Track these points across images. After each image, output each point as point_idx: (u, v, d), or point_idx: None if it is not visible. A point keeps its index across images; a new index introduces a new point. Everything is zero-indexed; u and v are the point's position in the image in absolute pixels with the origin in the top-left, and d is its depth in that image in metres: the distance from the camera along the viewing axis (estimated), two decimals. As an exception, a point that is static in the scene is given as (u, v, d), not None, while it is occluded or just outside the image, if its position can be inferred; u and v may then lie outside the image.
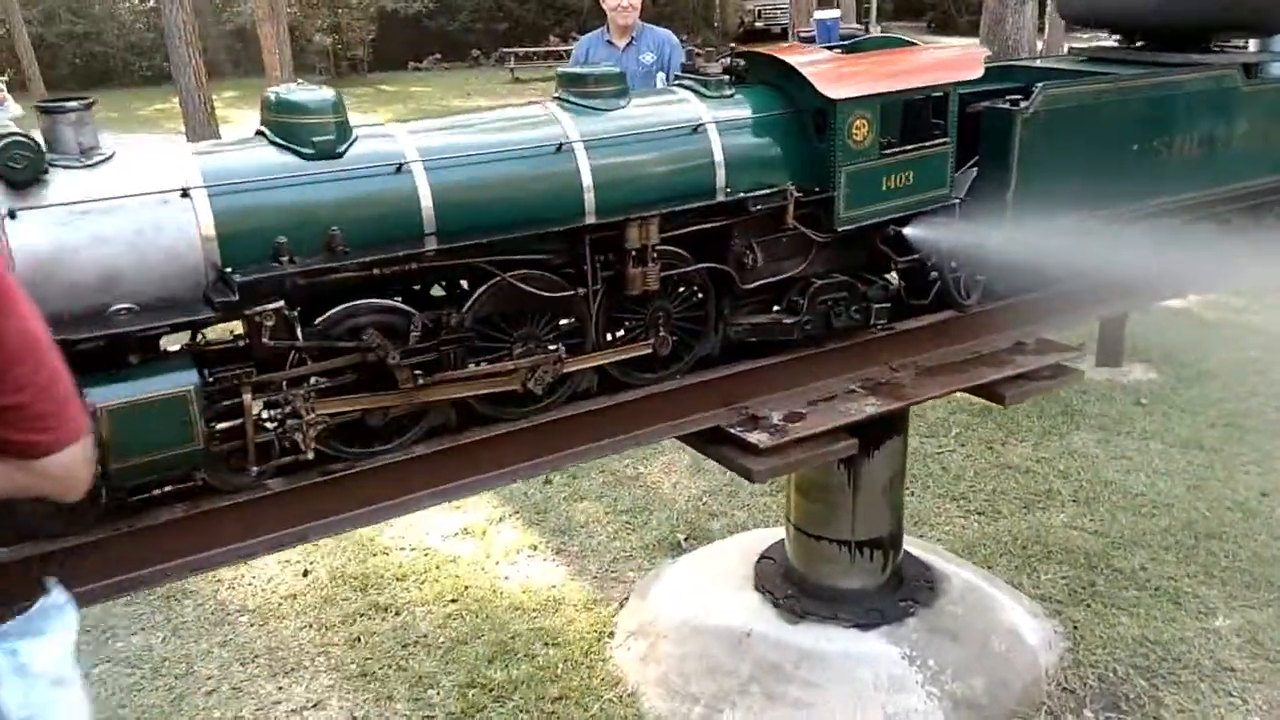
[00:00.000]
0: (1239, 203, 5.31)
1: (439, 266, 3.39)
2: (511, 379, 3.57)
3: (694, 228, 3.81)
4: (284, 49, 25.18)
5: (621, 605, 5.73)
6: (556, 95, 3.80)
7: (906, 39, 4.50)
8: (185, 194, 2.97)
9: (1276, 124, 5.26)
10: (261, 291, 3.05)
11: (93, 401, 2.77)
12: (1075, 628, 5.37)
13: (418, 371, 3.39)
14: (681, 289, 3.95)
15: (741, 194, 3.81)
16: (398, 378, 3.33)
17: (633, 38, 7.24)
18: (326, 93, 3.27)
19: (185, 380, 2.92)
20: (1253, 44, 5.39)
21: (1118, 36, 5.61)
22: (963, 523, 6.61)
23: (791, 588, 4.98)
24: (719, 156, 3.81)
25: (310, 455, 3.24)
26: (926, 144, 4.11)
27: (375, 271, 3.22)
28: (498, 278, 3.50)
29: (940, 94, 4.12)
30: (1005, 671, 4.74)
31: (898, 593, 4.95)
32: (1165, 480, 7.01)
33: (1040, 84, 4.35)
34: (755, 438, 3.99)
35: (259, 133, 3.31)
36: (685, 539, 6.51)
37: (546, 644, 5.49)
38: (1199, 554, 6.09)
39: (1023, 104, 4.35)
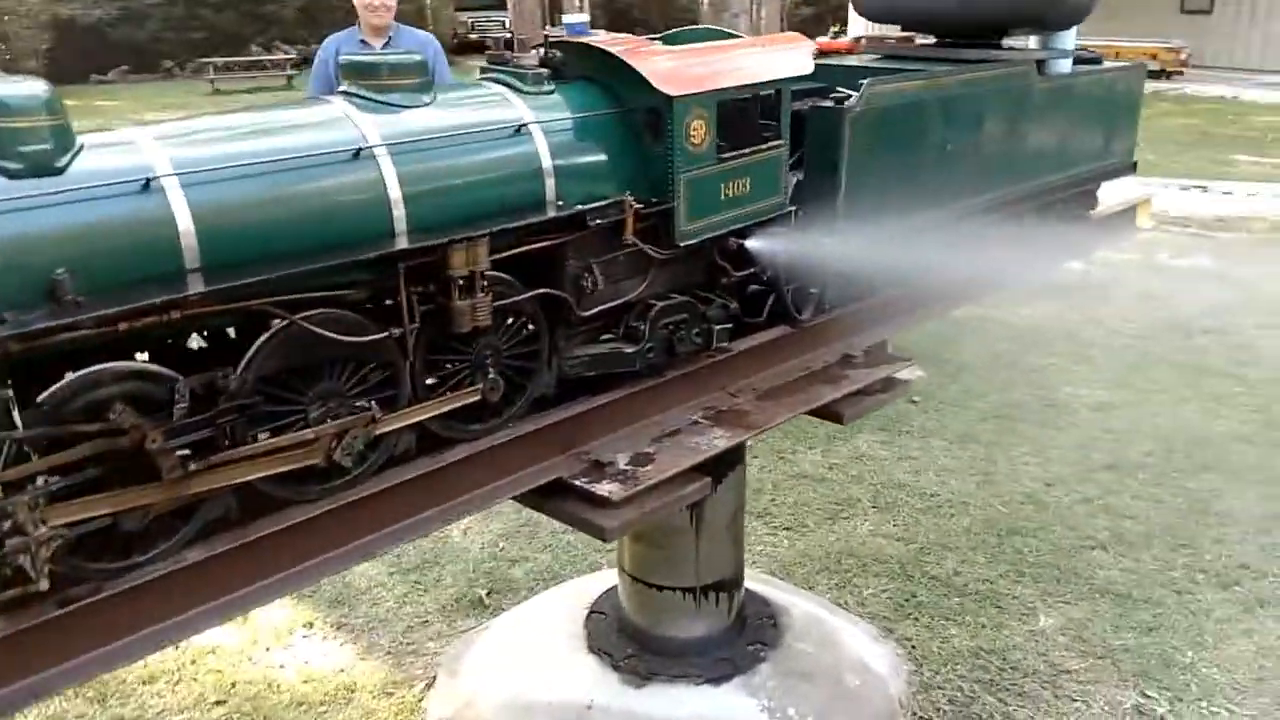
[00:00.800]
0: (1032, 200, 5.28)
1: (205, 313, 2.57)
2: (312, 451, 2.80)
3: (523, 249, 3.18)
4: None
5: (429, 686, 4.97)
6: (343, 90, 3.06)
7: (727, 30, 4.06)
8: None
9: (1063, 120, 5.27)
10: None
11: None
12: (913, 647, 5.16)
13: (186, 454, 2.55)
14: (510, 321, 3.30)
15: (576, 206, 3.21)
16: (160, 466, 2.49)
17: (389, 38, 6.45)
18: (35, 86, 2.39)
19: None
20: (1033, 40, 5.38)
21: (907, 34, 5.47)
22: (773, 541, 6.32)
23: (631, 645, 4.44)
24: (547, 163, 3.20)
25: (44, 585, 2.34)
26: (763, 147, 3.68)
27: (121, 327, 2.37)
28: (283, 322, 2.72)
29: (773, 91, 3.70)
30: (863, 709, 4.42)
31: (743, 635, 4.52)
32: (955, 478, 7.04)
33: (865, 81, 4.03)
34: (605, 489, 3.41)
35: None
36: (488, 594, 5.82)
37: (342, 746, 4.66)
38: (1005, 552, 6.09)
39: (848, 102, 4.01)
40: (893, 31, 6.40)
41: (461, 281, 2.96)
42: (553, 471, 3.49)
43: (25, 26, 34.65)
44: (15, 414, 2.22)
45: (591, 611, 4.74)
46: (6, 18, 34.12)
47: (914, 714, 4.63)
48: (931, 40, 5.38)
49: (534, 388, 3.45)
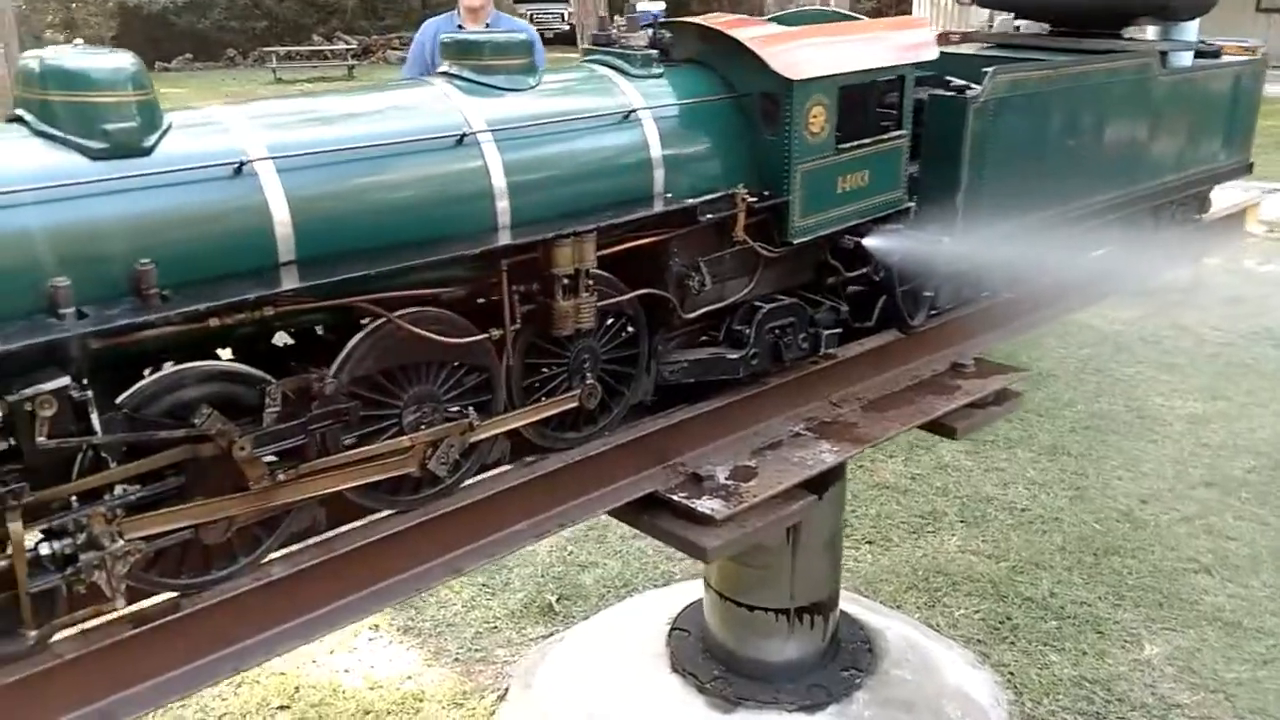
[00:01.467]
0: (1150, 201, 4.94)
1: (299, 310, 2.35)
2: (407, 459, 2.58)
3: (628, 245, 2.93)
4: (10, 46, 21.93)
5: (501, 698, 4.75)
6: (443, 71, 2.83)
7: (842, 12, 3.78)
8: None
9: (1183, 117, 4.92)
10: (28, 363, 1.95)
11: None
12: (1011, 674, 4.85)
13: (275, 463, 2.34)
14: (609, 322, 3.06)
15: (685, 200, 2.96)
16: (247, 475, 2.28)
17: (486, 24, 6.25)
18: (122, 58, 2.19)
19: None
20: (1152, 31, 5.03)
21: (1022, 22, 5.15)
22: (855, 555, 6.02)
23: (717, 666, 4.19)
24: (656, 152, 2.96)
25: (121, 604, 2.14)
26: (884, 138, 3.40)
27: (213, 324, 2.16)
28: (380, 321, 2.50)
29: (895, 78, 3.42)
30: (965, 743, 4.13)
31: (837, 660, 4.24)
32: (1045, 492, 6.70)
33: (990, 69, 3.73)
34: (706, 506, 3.16)
35: (15, 120, 2.18)
36: (557, 600, 5.59)
37: (414, 757, 4.47)
38: (1103, 572, 5.75)
39: (972, 91, 3.71)
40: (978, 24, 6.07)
41: (566, 280, 2.72)
42: (648, 484, 3.25)
43: (92, 13, 35.11)
44: (94, 417, 2.01)
45: (673, 628, 4.50)
46: (74, 4, 34.60)
47: (1017, 748, 4.34)
48: (1042, 29, 5.05)
49: (631, 394, 3.21)
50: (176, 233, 2.15)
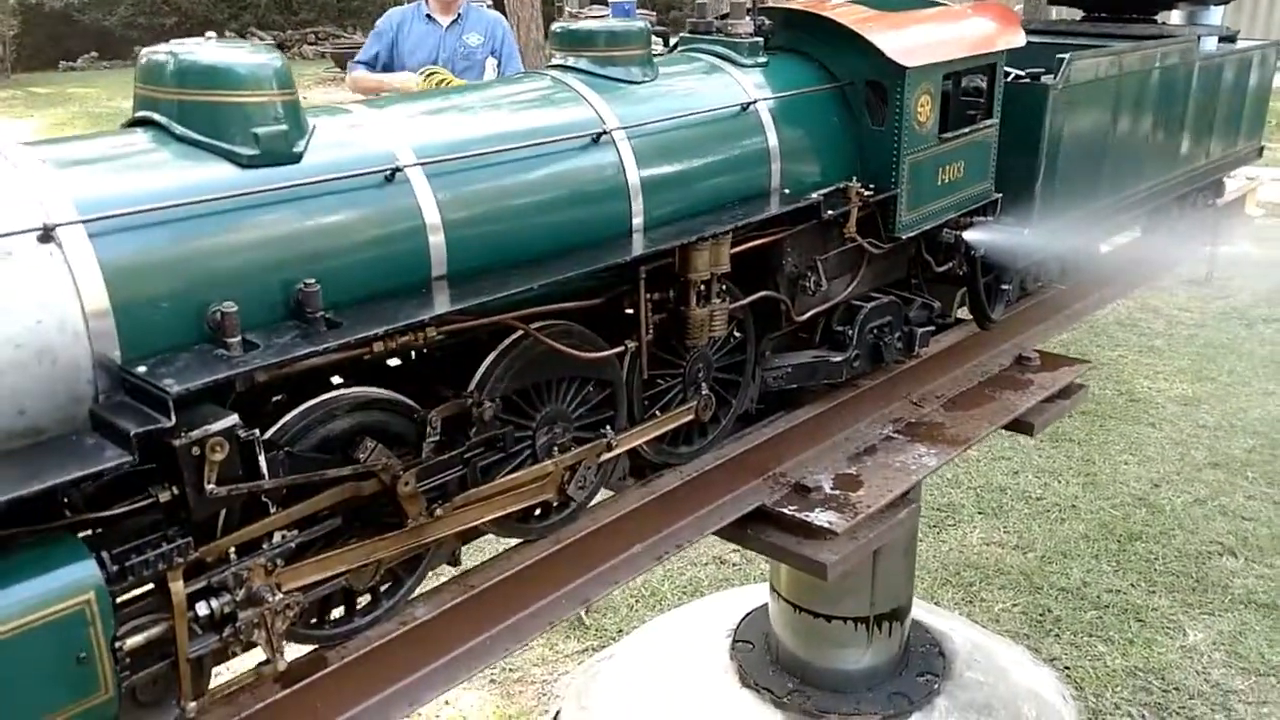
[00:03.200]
0: (1185, 186, 4.92)
1: (457, 329, 2.13)
2: (546, 485, 2.38)
3: (750, 245, 2.76)
4: None
5: (556, 716, 4.55)
6: (559, 63, 2.62)
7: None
8: (48, 236, 1.58)
9: (1211, 102, 4.91)
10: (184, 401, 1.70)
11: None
12: (1066, 668, 4.81)
13: (434, 499, 2.12)
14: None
15: (810, 196, 2.80)
16: (408, 511, 2.06)
17: (458, 15, 5.97)
18: (263, 52, 1.94)
19: (78, 579, 1.54)
20: (1176, 16, 5.01)
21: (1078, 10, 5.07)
22: (880, 552, 5.93)
23: (791, 679, 4.04)
24: (773, 145, 2.78)
25: (282, 666, 1.91)
26: (979, 126, 3.28)
27: (379, 348, 1.93)
28: (517, 335, 2.29)
29: (988, 64, 3.30)
30: (1046, 743, 4.05)
31: (911, 666, 4.12)
32: (1056, 480, 6.69)
33: (1067, 55, 3.63)
34: (824, 519, 3.01)
35: (140, 122, 1.92)
36: (586, 612, 5.39)
37: (470, 789, 4.24)
38: (1130, 559, 5.75)
39: (1051, 78, 3.61)
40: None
41: (702, 286, 2.54)
42: (753, 498, 3.09)
43: (-9, 11, 33.52)
44: (262, 459, 1.77)
45: (736, 640, 4.33)
46: (-29, 1, 33.03)
47: (1093, 744, 4.28)
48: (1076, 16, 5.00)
49: (739, 403, 3.04)
50: (332, 249, 1.92)
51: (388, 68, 5.92)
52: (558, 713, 4.56)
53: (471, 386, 2.24)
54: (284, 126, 1.89)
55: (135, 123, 1.92)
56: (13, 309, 1.53)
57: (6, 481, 1.44)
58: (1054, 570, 5.67)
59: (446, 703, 4.76)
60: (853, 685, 3.98)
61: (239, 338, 1.73)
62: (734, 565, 5.89)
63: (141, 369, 1.62)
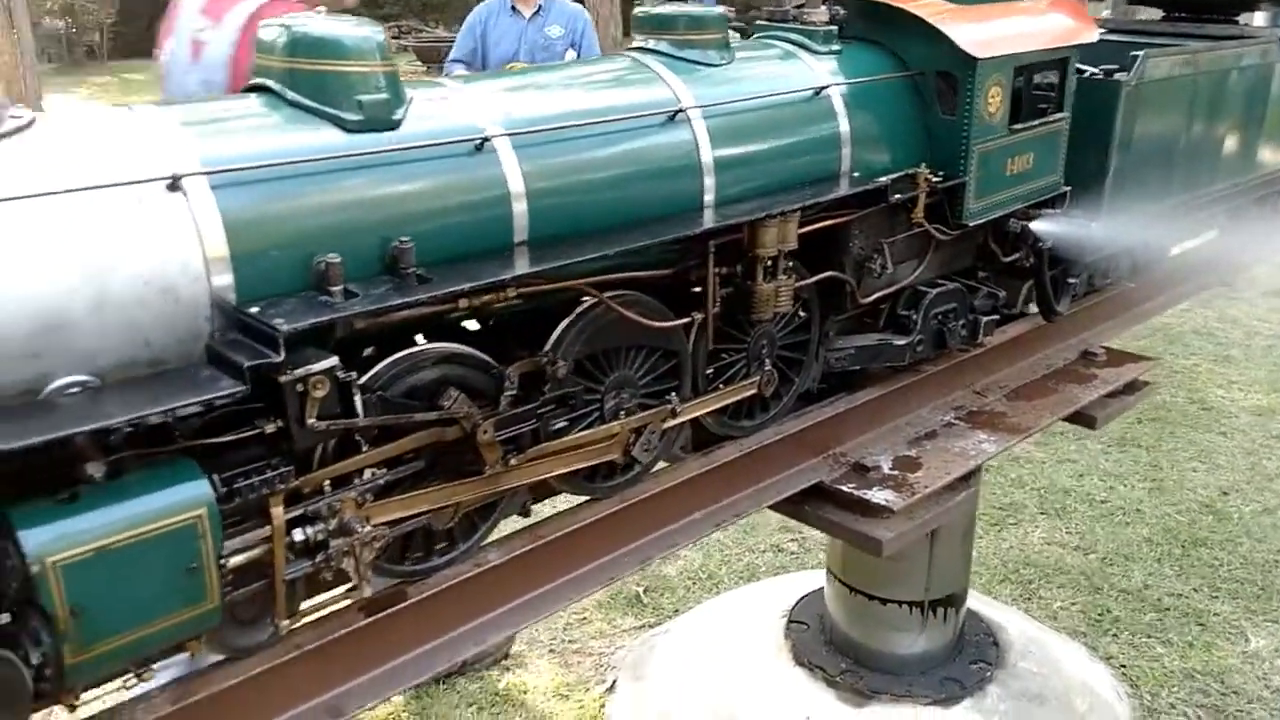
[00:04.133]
0: (1260, 188, 4.89)
1: (532, 293, 2.27)
2: (612, 446, 2.51)
3: (818, 225, 2.86)
4: (23, 32, 21.37)
5: (610, 689, 4.68)
6: (637, 47, 2.75)
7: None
8: (174, 185, 1.75)
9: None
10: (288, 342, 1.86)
11: (28, 550, 1.56)
12: (1122, 666, 4.81)
13: (509, 450, 2.26)
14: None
15: (880, 179, 2.89)
16: (485, 459, 2.20)
17: (540, 6, 6.13)
18: (368, 27, 2.10)
19: (192, 496, 1.71)
20: (1260, 18, 4.97)
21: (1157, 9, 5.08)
22: (940, 547, 5.96)
23: (844, 660, 4.12)
24: (845, 130, 2.88)
25: (368, 591, 2.07)
26: (1050, 119, 3.33)
27: (463, 305, 2.08)
28: (592, 302, 2.42)
29: (1061, 58, 3.35)
30: (1098, 737, 4.08)
31: (964, 653, 4.18)
32: (1122, 484, 6.65)
33: (1140, 53, 3.66)
34: (881, 497, 3.09)
35: (256, 88, 2.09)
36: (644, 591, 5.53)
37: (529, 752, 4.40)
38: (1194, 564, 5.71)
39: (1124, 75, 3.65)
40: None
41: (769, 262, 2.65)
42: (812, 475, 3.18)
43: (90, 0, 34.71)
44: (358, 401, 1.93)
45: (791, 620, 4.42)
46: (72, -12, 34.22)
47: (1146, 741, 4.29)
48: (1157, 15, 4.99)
49: (801, 381, 3.14)
50: (425, 211, 2.07)
51: (481, 61, 6.12)
52: (614, 682, 4.69)
53: (546, 348, 2.37)
54: (385, 95, 2.05)
55: (250, 89, 2.09)
56: (142, 249, 1.70)
57: (137, 403, 1.61)
58: (1115, 572, 5.66)
59: (507, 669, 4.92)
60: (905, 668, 4.05)
61: (341, 287, 1.88)
62: (790, 554, 5.97)
63: (254, 310, 1.78)
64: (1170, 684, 4.70)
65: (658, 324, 2.51)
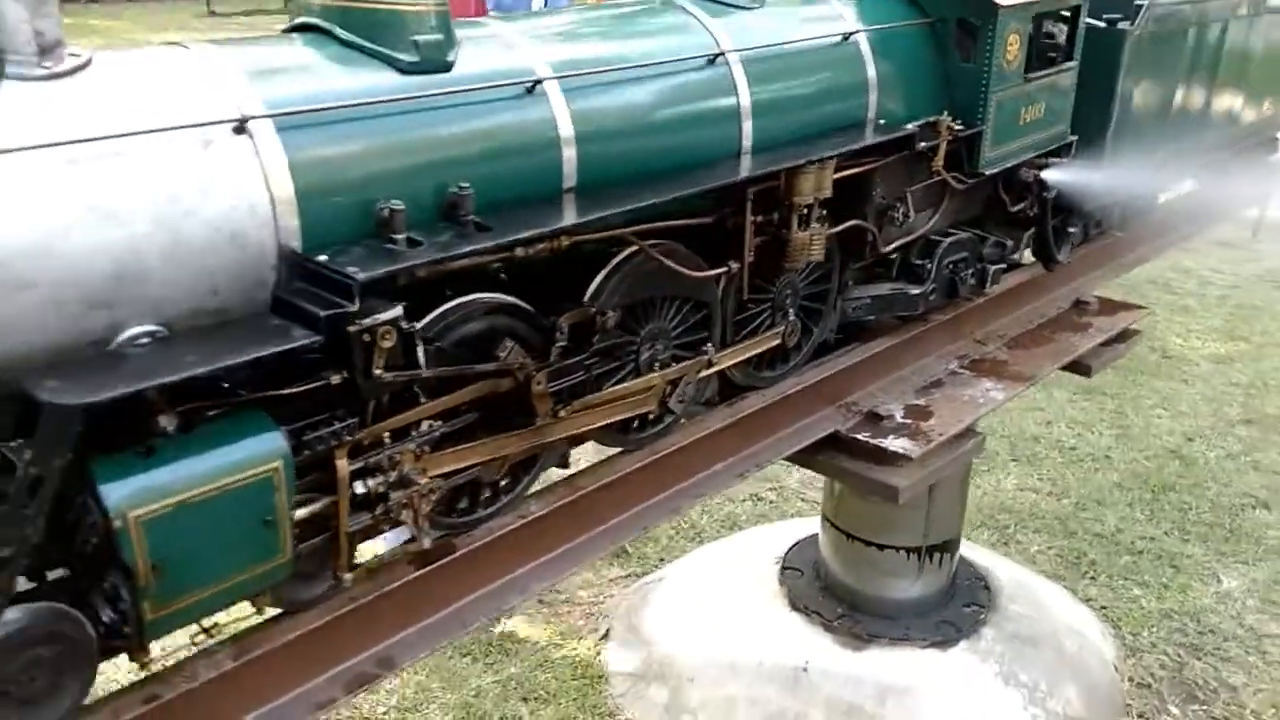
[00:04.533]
0: (1247, 140, 4.98)
1: (582, 241, 2.23)
2: (648, 397, 2.50)
3: (846, 173, 2.84)
4: None
5: (604, 638, 4.71)
6: (672, -11, 2.69)
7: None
8: (242, 128, 1.68)
9: (1275, 57, 4.93)
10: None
11: (110, 505, 1.51)
12: (1103, 608, 4.95)
13: (557, 401, 2.24)
14: (810, 257, 2.97)
15: (905, 126, 2.88)
16: (537, 410, 2.18)
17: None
18: (417, -36, 2.02)
19: (269, 449, 1.66)
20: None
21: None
22: (918, 494, 6.07)
23: (840, 605, 4.18)
24: (871, 75, 2.86)
25: (427, 544, 2.04)
26: (1062, 67, 3.35)
27: (519, 254, 2.04)
28: (631, 251, 2.39)
29: (1074, 5, 3.36)
30: (1088, 675, 4.21)
31: (957, 597, 4.27)
32: (1089, 431, 6.80)
33: (1145, 2, 3.68)
34: (897, 445, 3.12)
35: (301, 28, 2.01)
36: (628, 541, 5.54)
37: (526, 699, 4.41)
38: (1164, 509, 5.87)
39: (1129, 23, 3.67)
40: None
41: (804, 210, 2.63)
42: (827, 424, 3.21)
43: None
44: (420, 351, 1.89)
45: (785, 567, 4.48)
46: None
47: (1130, 679, 4.42)
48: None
49: (820, 331, 3.15)
50: (479, 154, 2.02)
51: None
52: (608, 631, 4.72)
53: (587, 297, 2.34)
54: (440, 35, 1.98)
55: (296, 28, 2.01)
56: (211, 193, 1.63)
57: (213, 353, 1.56)
58: (1088, 516, 5.79)
59: (499, 620, 4.92)
60: (902, 612, 4.12)
61: (404, 234, 1.83)
62: (770, 502, 6.02)
63: (322, 257, 1.73)
64: (1149, 624, 4.85)
65: (697, 273, 2.49)
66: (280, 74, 1.82)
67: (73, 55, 1.60)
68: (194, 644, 1.82)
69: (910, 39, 3.04)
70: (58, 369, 1.48)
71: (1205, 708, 4.34)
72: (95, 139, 1.52)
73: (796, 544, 4.65)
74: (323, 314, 1.64)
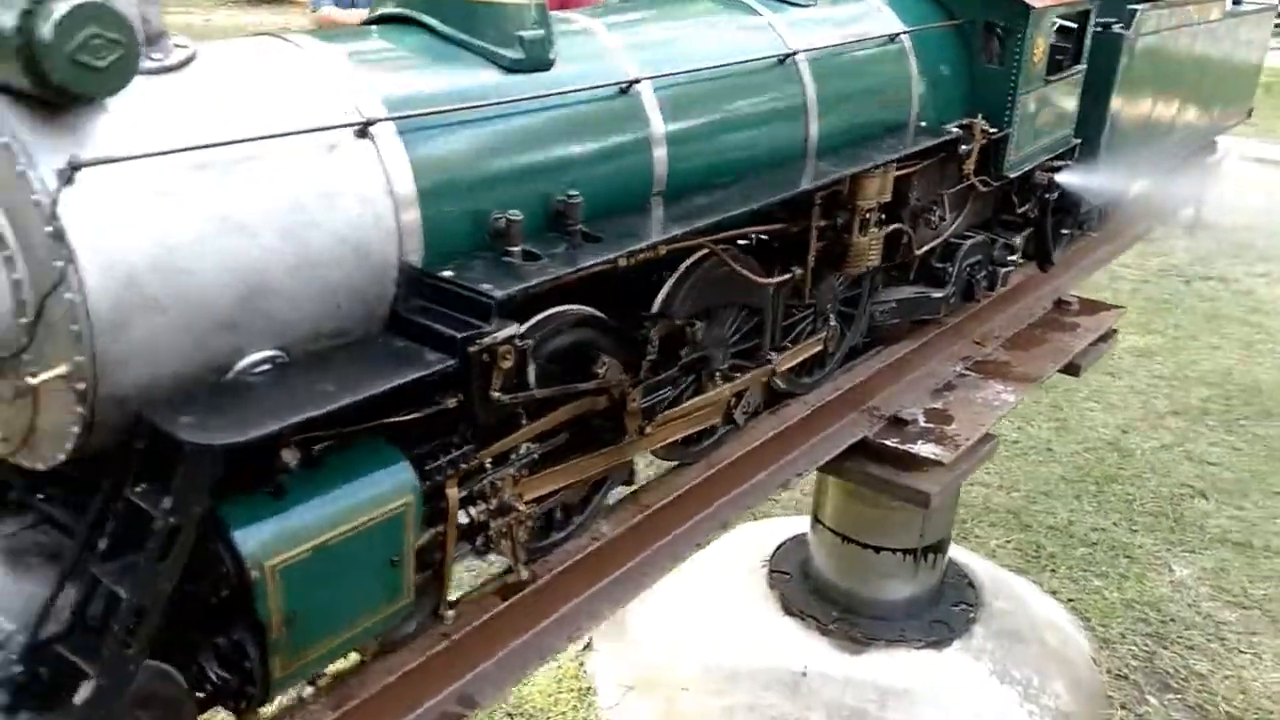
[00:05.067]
0: (1198, 140, 5.13)
1: (676, 249, 2.11)
2: (714, 410, 2.40)
3: (893, 176, 2.78)
4: None
5: (587, 648, 4.58)
6: (730, -14, 2.58)
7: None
8: (364, 131, 1.51)
9: (1227, 60, 5.09)
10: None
11: (246, 553, 1.34)
12: (1070, 601, 5.05)
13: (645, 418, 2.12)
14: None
15: (943, 129, 2.84)
16: (628, 428, 2.06)
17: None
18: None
19: (399, 483, 1.51)
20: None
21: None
22: (874, 490, 6.11)
23: (833, 608, 4.16)
24: (914, 75, 2.81)
25: (525, 574, 1.90)
26: (1075, 70, 3.36)
27: (623, 263, 1.91)
28: (700, 256, 2.28)
29: (1084, 10, 3.38)
30: (1072, 669, 4.28)
31: (946, 596, 4.29)
32: (1029, 424, 6.95)
33: (1138, 7, 3.73)
34: (928, 451, 3.09)
35: (391, 19, 1.83)
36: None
37: (513, 714, 4.27)
38: (1110, 500, 6.03)
39: (1120, 27, 3.71)
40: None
41: (866, 215, 2.56)
42: (856, 429, 3.16)
43: None
44: (531, 369, 1.75)
45: (772, 570, 4.43)
46: None
47: (1108, 670, 4.52)
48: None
49: (851, 335, 3.10)
50: (579, 159, 1.89)
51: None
52: (589, 641, 4.59)
53: (657, 307, 2.22)
54: (542, 31, 1.84)
55: (388, 19, 1.84)
56: (337, 202, 1.47)
57: (353, 380, 1.40)
58: (1040, 509, 5.91)
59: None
60: (895, 614, 4.12)
61: (520, 247, 1.69)
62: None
63: (447, 273, 1.58)
64: (1115, 615, 4.96)
65: (766, 280, 2.40)
66: (390, 71, 1.66)
67: (179, 46, 1.41)
68: (300, 696, 1.65)
69: (942, 41, 3.00)
70: (187, 402, 1.30)
71: (1180, 696, 4.46)
72: (226, 143, 1.34)
73: (781, 546, 4.61)
74: (459, 335, 1.49)
